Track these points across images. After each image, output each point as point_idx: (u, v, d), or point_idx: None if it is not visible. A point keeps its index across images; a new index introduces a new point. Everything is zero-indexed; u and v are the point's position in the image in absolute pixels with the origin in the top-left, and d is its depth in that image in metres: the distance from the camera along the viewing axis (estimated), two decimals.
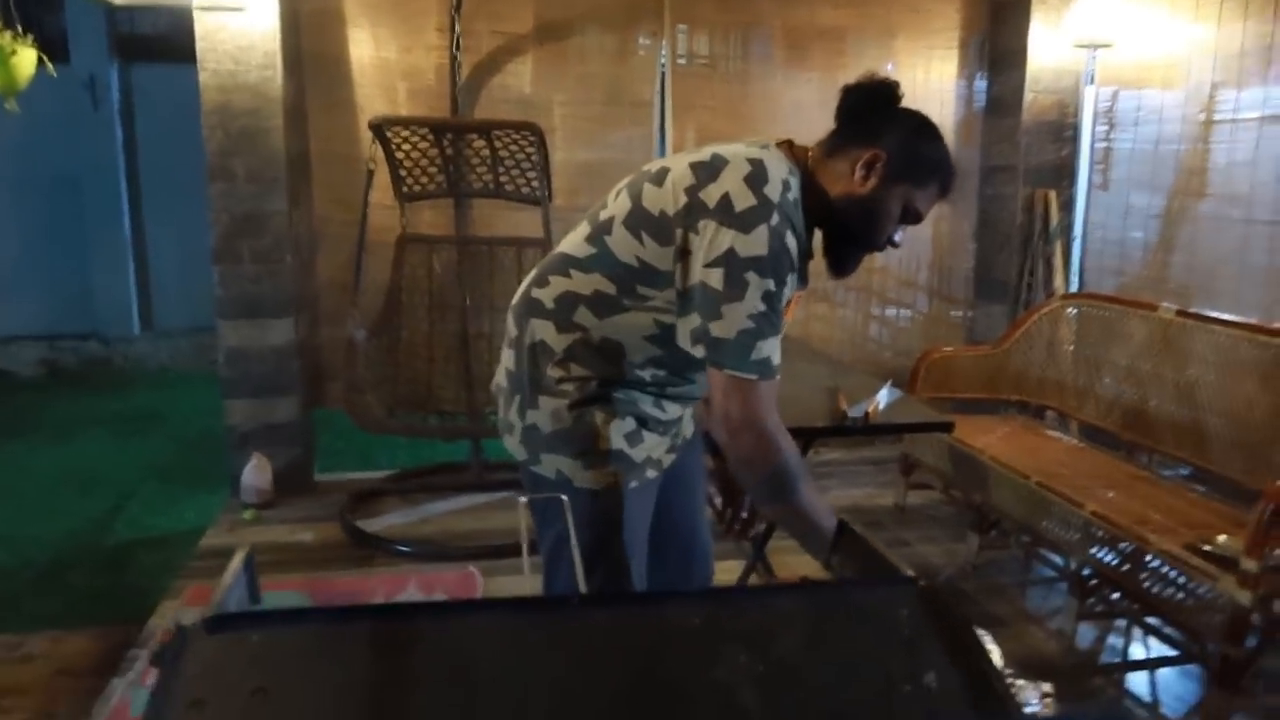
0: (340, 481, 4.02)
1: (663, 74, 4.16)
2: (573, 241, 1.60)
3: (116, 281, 6.42)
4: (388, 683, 0.81)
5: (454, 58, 3.80)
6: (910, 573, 0.99)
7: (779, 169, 1.47)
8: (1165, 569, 2.47)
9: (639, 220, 1.50)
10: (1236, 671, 2.32)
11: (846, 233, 1.57)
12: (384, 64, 3.89)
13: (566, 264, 1.57)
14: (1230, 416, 2.91)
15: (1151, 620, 2.86)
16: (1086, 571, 2.78)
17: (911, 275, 4.57)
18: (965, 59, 4.42)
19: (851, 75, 1.61)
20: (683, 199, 1.45)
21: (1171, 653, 2.79)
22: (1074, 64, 4.21)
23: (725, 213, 1.41)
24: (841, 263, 1.61)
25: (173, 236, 6.33)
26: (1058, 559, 3.30)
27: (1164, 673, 2.73)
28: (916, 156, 1.52)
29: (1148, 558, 2.51)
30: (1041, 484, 2.82)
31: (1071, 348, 3.59)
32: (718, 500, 3.14)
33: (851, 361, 4.48)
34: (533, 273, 1.65)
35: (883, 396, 2.43)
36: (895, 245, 1.59)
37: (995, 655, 1.06)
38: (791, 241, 1.44)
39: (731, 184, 1.43)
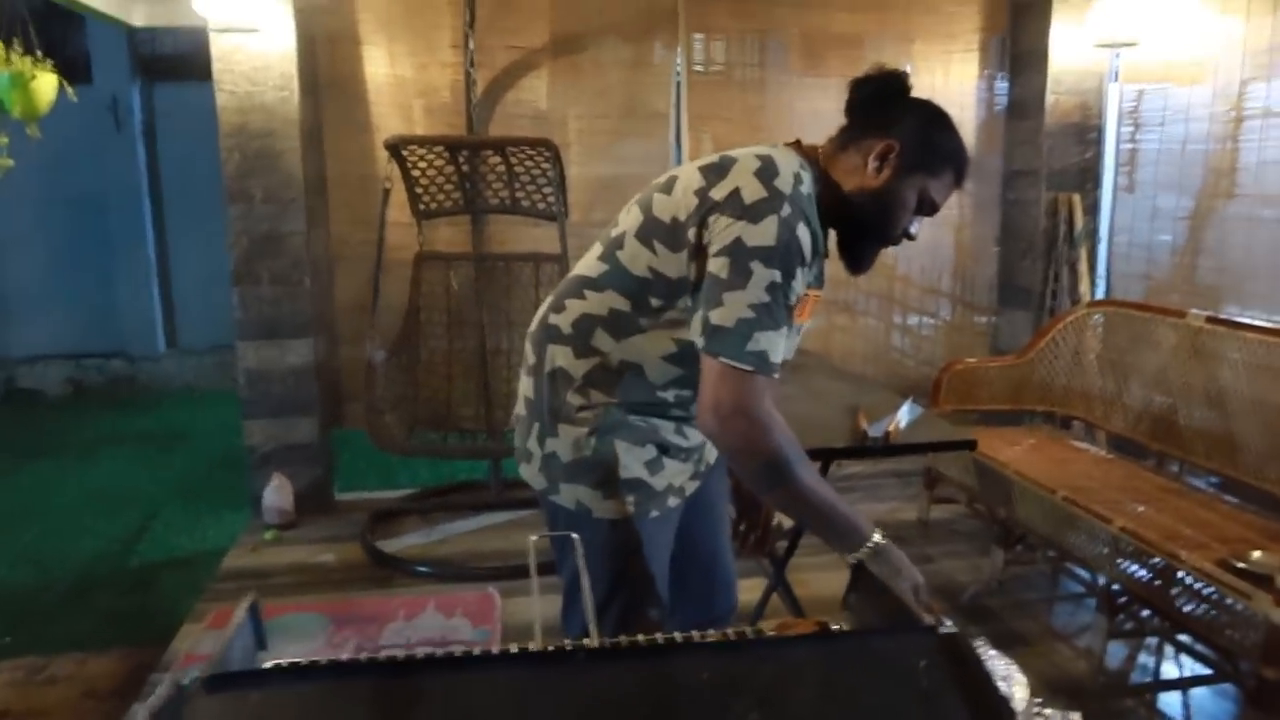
0: (361, 501, 4.02)
1: (678, 84, 4.14)
2: (586, 263, 1.59)
3: (141, 300, 6.48)
4: None
5: (469, 74, 3.79)
6: (929, 620, 0.96)
7: (789, 164, 1.44)
8: (1198, 586, 2.41)
9: (650, 230, 1.48)
10: (1273, 692, 2.25)
11: (862, 227, 1.53)
12: (399, 82, 3.90)
13: (581, 286, 1.56)
14: (1263, 425, 2.84)
15: (1183, 638, 2.79)
16: (1116, 588, 2.72)
17: (934, 283, 4.52)
18: (985, 61, 4.36)
19: None
20: (693, 201, 1.43)
21: (1205, 672, 2.72)
22: (1097, 64, 4.14)
23: (735, 205, 1.39)
24: (858, 259, 1.57)
25: (196, 255, 6.37)
26: (1086, 574, 3.24)
27: (1197, 693, 2.66)
28: (930, 145, 1.49)
29: (1179, 574, 2.45)
30: (1068, 499, 2.76)
31: (1098, 356, 3.52)
32: (733, 515, 3.11)
33: (875, 373, 4.44)
34: (549, 298, 1.63)
35: (904, 414, 2.39)
36: (911, 237, 1.55)
37: (1019, 700, 1.02)
38: (804, 234, 1.40)
39: (741, 179, 1.41)
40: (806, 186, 1.44)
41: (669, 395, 1.54)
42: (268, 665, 0.92)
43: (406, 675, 0.88)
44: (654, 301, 1.48)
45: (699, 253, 1.42)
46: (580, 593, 1.41)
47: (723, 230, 1.39)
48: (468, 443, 3.82)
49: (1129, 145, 4.11)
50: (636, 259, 1.49)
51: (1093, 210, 4.22)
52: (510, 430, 3.77)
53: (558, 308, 1.58)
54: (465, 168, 3.68)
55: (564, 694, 0.86)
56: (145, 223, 6.45)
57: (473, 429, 3.84)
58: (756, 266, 1.36)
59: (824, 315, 4.38)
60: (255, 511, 3.76)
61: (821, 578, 3.08)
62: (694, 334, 1.42)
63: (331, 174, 3.94)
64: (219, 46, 3.51)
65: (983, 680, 0.87)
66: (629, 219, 1.53)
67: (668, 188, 1.50)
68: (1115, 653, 2.83)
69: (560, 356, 1.55)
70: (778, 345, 1.39)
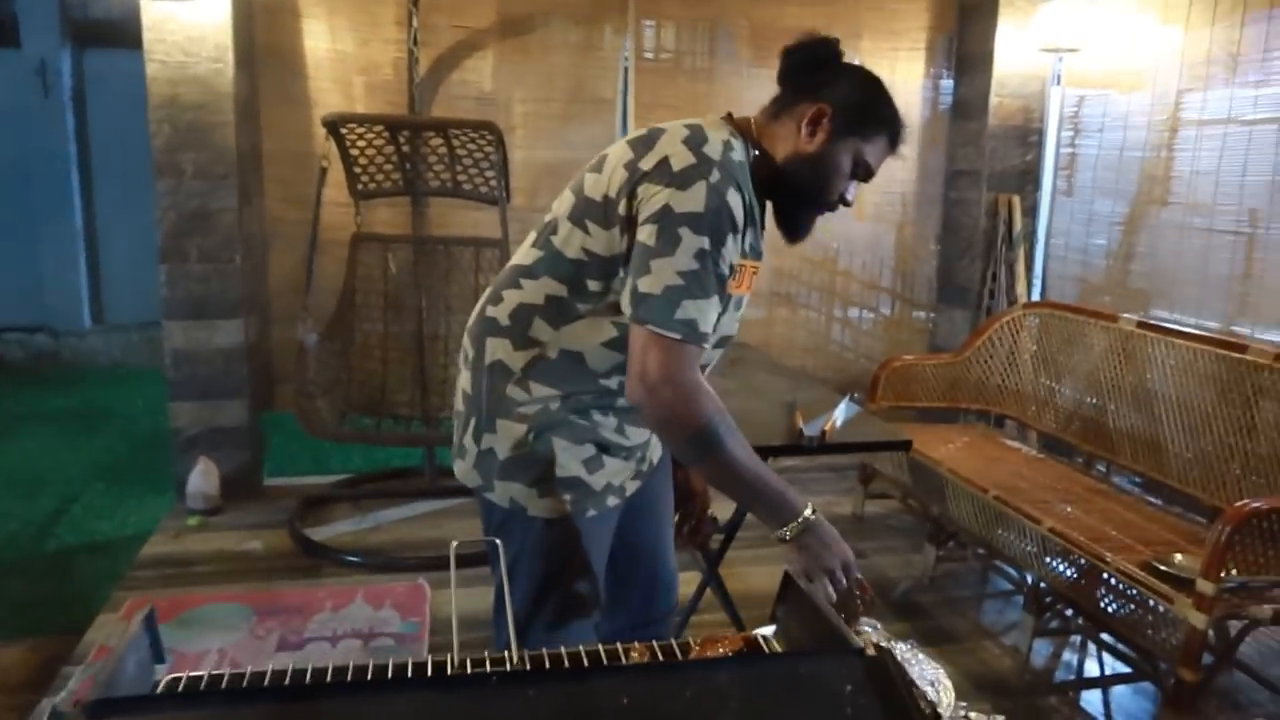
0: (291, 486, 3.93)
1: (626, 71, 4.09)
2: (522, 252, 1.55)
3: (67, 273, 6.25)
4: None
5: (412, 52, 3.70)
6: (858, 643, 0.94)
7: (719, 132, 1.43)
8: (1122, 587, 2.46)
9: (583, 210, 1.45)
10: (1190, 693, 2.30)
11: (797, 193, 1.51)
12: (340, 57, 3.79)
13: (517, 275, 1.52)
14: (1188, 430, 2.90)
15: (1106, 637, 2.85)
16: (1043, 587, 2.76)
17: (875, 279, 4.54)
18: (932, 60, 4.38)
19: None
20: (623, 174, 1.41)
21: (1126, 670, 2.78)
22: (1040, 68, 4.18)
23: (663, 173, 1.37)
24: (794, 226, 1.55)
25: (126, 228, 6.16)
26: (1014, 572, 3.29)
27: (1118, 691, 2.72)
28: (863, 109, 1.47)
29: (1105, 575, 2.50)
30: (999, 498, 2.80)
31: (1032, 357, 3.57)
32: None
33: (815, 366, 4.46)
34: (487, 290, 1.59)
35: (840, 413, 2.39)
36: (848, 203, 1.53)
37: (945, 706, 1.02)
38: (735, 200, 1.37)
39: (670, 147, 1.39)
40: (738, 154, 1.42)
41: (612, 383, 1.50)
42: (160, 688, 0.87)
43: (308, 699, 0.83)
44: (591, 284, 1.45)
45: (630, 225, 1.39)
46: (513, 591, 1.37)
47: (651, 198, 1.36)
48: (402, 429, 3.75)
49: (1069, 150, 4.17)
50: (570, 242, 1.45)
51: (1032, 212, 4.27)
52: (446, 418, 3.74)
53: (495, 299, 1.54)
54: (406, 148, 3.59)
55: (477, 718, 0.83)
56: (73, 193, 6.22)
57: (407, 415, 3.76)
58: (685, 233, 1.33)
59: (765, 308, 4.38)
60: (179, 496, 3.65)
61: (755, 571, 3.08)
62: (624, 304, 1.39)
63: (267, 149, 3.82)
64: (150, 15, 3.37)
65: (911, 706, 0.86)
66: (562, 204, 1.51)
67: (598, 166, 1.47)
68: (1041, 650, 2.88)
69: (499, 349, 1.50)
70: (707, 313, 1.35)
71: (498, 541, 1.23)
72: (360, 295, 3.74)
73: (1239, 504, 2.27)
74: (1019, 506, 2.73)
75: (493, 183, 3.57)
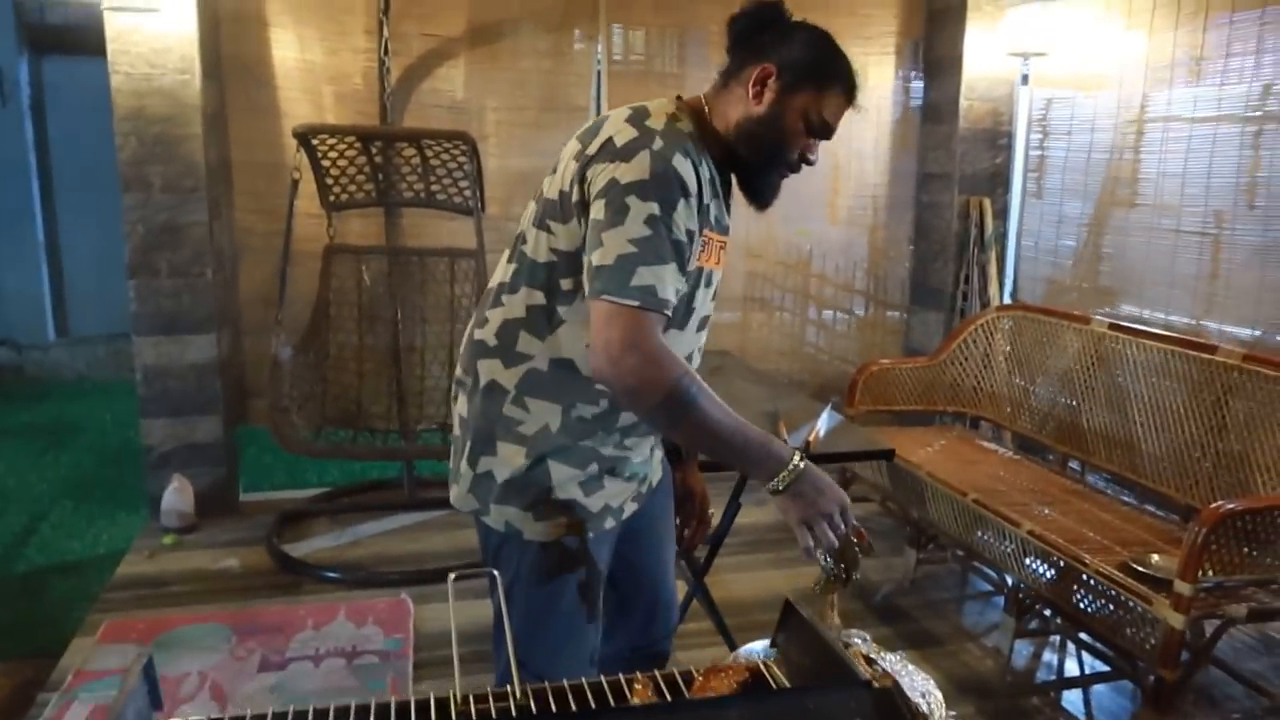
0: (267, 501, 3.88)
1: (598, 76, 4.09)
2: (499, 270, 1.55)
3: (29, 285, 6.14)
4: None
5: (382, 61, 3.67)
6: (863, 674, 0.95)
7: (664, 107, 1.44)
8: (1100, 588, 2.49)
9: (545, 213, 1.45)
10: (1169, 691, 2.34)
11: (755, 155, 1.49)
12: (309, 67, 3.75)
13: (498, 294, 1.52)
14: (1160, 430, 2.95)
15: (1085, 637, 2.88)
16: (1023, 588, 2.79)
17: (849, 281, 4.57)
18: (901, 64, 4.41)
19: None
20: (573, 166, 1.41)
21: (1105, 669, 2.81)
22: (1009, 72, 4.23)
23: (608, 151, 1.37)
24: (758, 190, 1.53)
25: (90, 238, 6.06)
26: (993, 573, 3.32)
27: (1098, 690, 2.75)
28: (811, 62, 1.45)
29: (1083, 577, 2.53)
30: (978, 501, 2.82)
31: (1006, 359, 3.61)
32: None
33: (791, 369, 4.49)
34: (474, 315, 1.58)
35: (823, 422, 2.40)
36: (809, 162, 1.51)
37: (937, 717, 1.03)
38: (683, 164, 1.36)
39: (613, 128, 1.40)
40: (685, 125, 1.43)
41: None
42: None
43: None
44: (563, 284, 1.44)
45: (584, 210, 1.39)
46: (512, 614, 1.35)
47: (598, 177, 1.36)
48: (379, 443, 3.71)
49: (1038, 152, 4.22)
50: (539, 247, 1.45)
51: (1003, 214, 4.32)
52: (423, 430, 3.71)
53: (481, 322, 1.53)
54: (378, 159, 3.57)
55: None
56: (33, 203, 6.11)
57: (384, 428, 3.73)
58: (632, 201, 1.32)
59: (740, 311, 4.40)
60: (153, 514, 3.59)
61: (739, 579, 3.09)
62: (584, 285, 1.38)
63: (236, 161, 3.77)
64: (114, 26, 3.32)
65: None
66: (527, 214, 1.51)
67: (554, 168, 1.48)
68: (1021, 651, 2.91)
69: (491, 370, 1.50)
70: (665, 279, 1.33)
71: (495, 573, 1.22)
72: (334, 307, 3.70)
73: (1214, 505, 2.31)
74: (998, 509, 2.76)
75: (467, 193, 3.55)
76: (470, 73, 3.93)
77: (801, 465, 1.38)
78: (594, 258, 1.33)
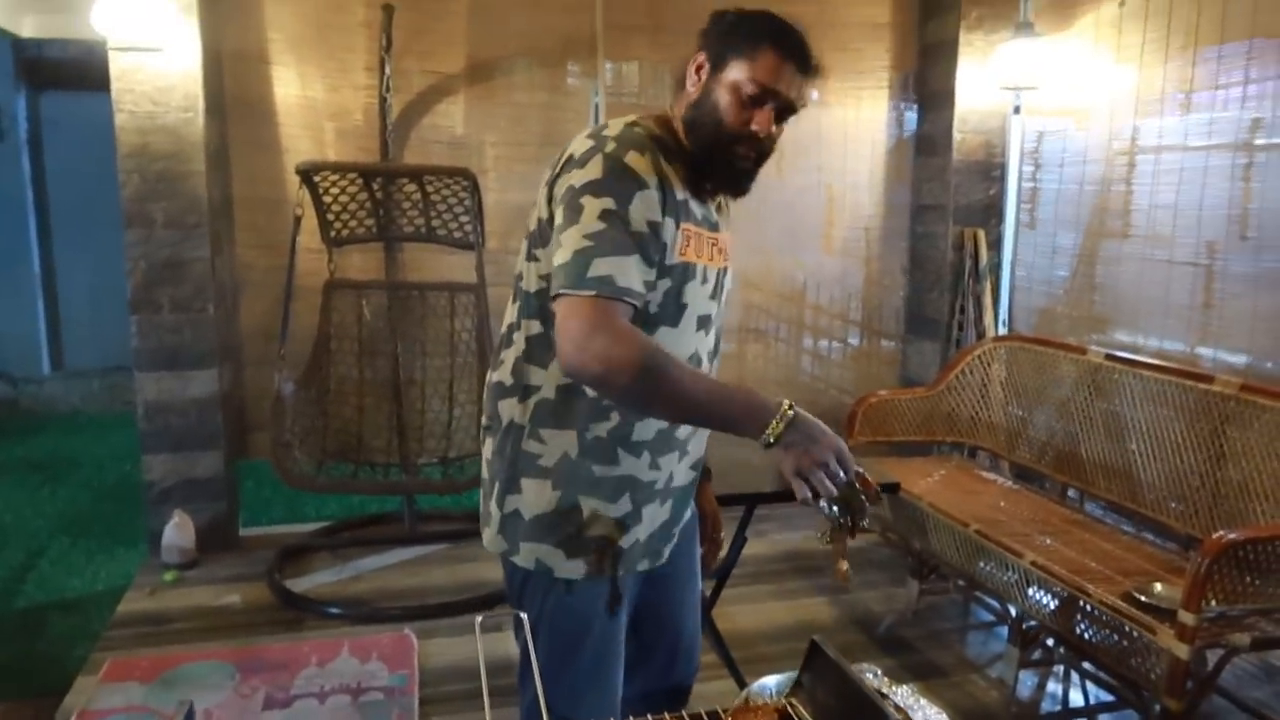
0: (267, 536, 3.88)
1: (596, 110, 4.13)
2: (507, 312, 1.57)
3: (25, 319, 6.13)
4: None
5: (384, 98, 3.71)
6: (894, 717, 0.96)
7: (622, 120, 1.47)
8: (1104, 618, 2.50)
9: (530, 244, 1.49)
10: None
11: (700, 142, 1.48)
12: (310, 104, 3.78)
13: (508, 334, 1.54)
14: (1159, 459, 2.97)
15: (1089, 667, 2.89)
16: (1027, 619, 2.80)
17: (845, 312, 4.61)
18: (894, 98, 4.47)
19: None
20: (544, 191, 1.45)
21: (1110, 699, 2.82)
22: (1001, 105, 4.29)
23: (568, 165, 1.41)
24: (726, 179, 1.52)
25: (85, 272, 6.08)
26: (995, 602, 3.33)
27: (1103, 719, 2.76)
28: (729, 32, 1.46)
29: (1087, 607, 2.54)
30: (980, 532, 2.84)
31: (1003, 389, 3.64)
32: None
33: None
34: (491, 359, 1.61)
35: None
36: (759, 136, 1.45)
37: None
38: (637, 160, 1.37)
39: (575, 146, 1.44)
40: (643, 129, 1.45)
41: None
42: None
43: None
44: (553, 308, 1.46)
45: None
46: (538, 651, 1.34)
47: (559, 189, 1.40)
48: (380, 477, 3.71)
49: (1030, 184, 4.27)
50: (530, 277, 1.49)
51: (996, 245, 4.37)
52: (424, 464, 3.72)
53: (497, 365, 1.56)
54: (380, 195, 3.60)
55: None
56: (30, 236, 6.12)
57: (385, 462, 3.73)
58: (587, 200, 1.34)
59: (736, 343, 4.43)
60: (153, 550, 3.58)
61: (743, 611, 3.09)
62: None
63: (238, 196, 3.80)
64: (119, 65, 3.35)
65: None
66: (521, 255, 1.54)
67: (535, 201, 1.51)
68: (1026, 681, 2.92)
69: (510, 410, 1.52)
70: (626, 269, 1.31)
71: (523, 615, 1.23)
72: (335, 342, 3.71)
73: (1217, 535, 2.33)
74: (1000, 540, 2.77)
75: (467, 227, 3.58)
76: (470, 108, 3.98)
77: (791, 412, 1.31)
78: (555, 259, 1.35)
